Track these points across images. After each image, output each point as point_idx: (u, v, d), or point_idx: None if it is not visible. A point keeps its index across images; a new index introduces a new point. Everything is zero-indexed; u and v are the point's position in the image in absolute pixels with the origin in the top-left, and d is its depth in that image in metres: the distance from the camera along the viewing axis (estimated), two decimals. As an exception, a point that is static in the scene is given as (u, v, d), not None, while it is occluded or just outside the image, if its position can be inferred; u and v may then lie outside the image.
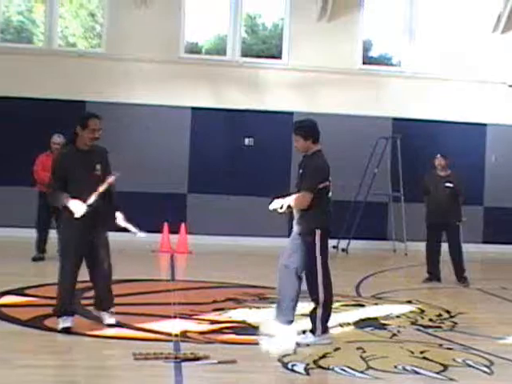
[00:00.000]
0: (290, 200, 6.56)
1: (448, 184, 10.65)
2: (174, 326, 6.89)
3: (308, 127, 6.76)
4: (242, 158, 15.29)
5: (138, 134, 15.08)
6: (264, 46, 16.92)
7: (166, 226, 13.38)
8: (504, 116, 16.13)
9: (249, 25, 16.97)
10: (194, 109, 15.22)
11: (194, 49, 16.35)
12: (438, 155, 10.92)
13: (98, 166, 6.78)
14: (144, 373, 5.44)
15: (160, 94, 15.08)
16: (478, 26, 16.12)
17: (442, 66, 16.40)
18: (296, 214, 6.67)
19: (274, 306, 6.85)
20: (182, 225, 13.56)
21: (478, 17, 16.11)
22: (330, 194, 6.70)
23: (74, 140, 6.80)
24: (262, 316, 7.43)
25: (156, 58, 15.05)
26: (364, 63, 16.02)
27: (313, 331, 6.49)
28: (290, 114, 15.37)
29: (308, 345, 6.35)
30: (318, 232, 6.49)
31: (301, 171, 6.68)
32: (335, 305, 8.24)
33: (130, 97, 14.97)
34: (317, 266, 6.47)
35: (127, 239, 13.95)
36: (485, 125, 16.15)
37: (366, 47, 16.58)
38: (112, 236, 7.02)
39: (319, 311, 6.47)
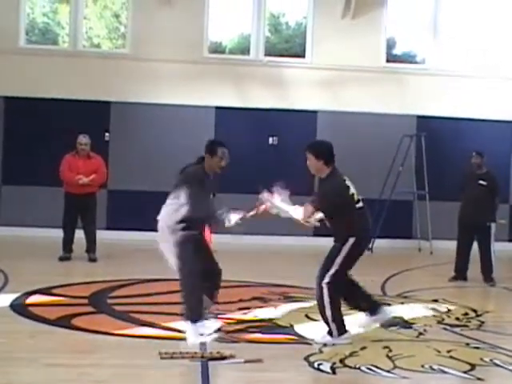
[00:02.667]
0: (293, 213, 6.55)
1: (482, 182, 10.54)
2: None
3: (320, 147, 6.68)
4: (267, 157, 15.29)
5: (162, 133, 15.14)
6: (287, 45, 16.91)
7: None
8: (530, 113, 15.98)
9: (272, 24, 16.96)
10: (217, 108, 15.25)
11: (217, 48, 16.38)
12: (474, 153, 10.82)
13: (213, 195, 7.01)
14: (170, 372, 5.47)
15: (184, 93, 15.12)
16: (502, 22, 15.99)
17: (467, 63, 16.28)
18: (329, 226, 6.63)
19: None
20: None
21: (503, 13, 15.99)
22: (361, 203, 6.63)
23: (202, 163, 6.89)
24: (288, 315, 7.44)
25: (180, 58, 15.08)
26: (388, 61, 15.95)
27: (330, 333, 6.47)
28: (314, 112, 15.38)
29: (325, 344, 6.33)
30: (351, 240, 6.45)
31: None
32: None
33: (155, 97, 15.02)
34: (329, 271, 6.43)
35: (152, 238, 14.09)
36: (510, 122, 16.02)
37: (390, 45, 16.51)
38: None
39: (328, 312, 6.45)
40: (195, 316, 6.42)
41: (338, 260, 6.43)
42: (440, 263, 12.32)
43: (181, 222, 6.63)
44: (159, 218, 6.82)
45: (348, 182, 6.59)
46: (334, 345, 6.33)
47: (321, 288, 6.43)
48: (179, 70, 15.17)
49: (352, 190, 6.58)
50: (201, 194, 6.67)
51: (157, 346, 6.03)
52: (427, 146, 14.81)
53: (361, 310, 6.76)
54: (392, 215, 14.61)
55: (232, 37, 16.80)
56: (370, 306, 6.75)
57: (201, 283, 6.54)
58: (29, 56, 14.85)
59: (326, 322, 6.47)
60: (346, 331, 6.50)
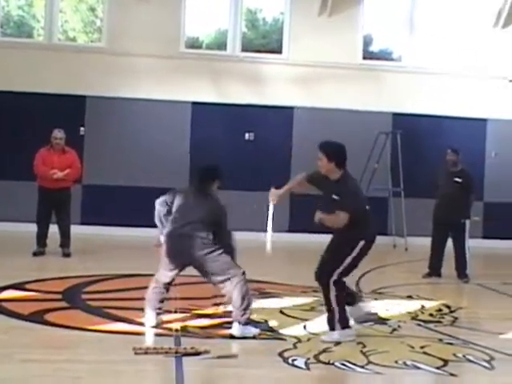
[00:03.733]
0: (327, 220, 6.43)
1: (456, 179, 10.59)
2: (175, 320, 6.89)
3: (333, 148, 6.57)
4: (243, 153, 15.29)
5: (138, 128, 15.08)
6: (264, 41, 16.90)
7: (166, 221, 13.37)
8: (504, 111, 16.11)
9: (249, 19, 16.94)
10: (194, 103, 15.22)
11: (194, 43, 16.34)
12: (449, 150, 10.87)
13: None
14: (145, 368, 5.45)
15: (160, 88, 15.07)
16: (478, 20, 16.10)
17: (443, 60, 16.37)
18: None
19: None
20: (183, 219, 13.57)
21: (479, 12, 16.09)
22: (367, 207, 6.69)
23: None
24: (262, 311, 7.45)
25: (156, 53, 15.02)
26: (365, 58, 16.00)
27: (333, 329, 6.48)
28: (291, 108, 15.40)
29: (339, 342, 6.32)
30: (361, 243, 6.48)
31: (335, 197, 6.41)
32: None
33: (131, 91, 14.96)
34: (337, 270, 6.46)
35: (127, 233, 14.05)
36: (485, 120, 16.14)
37: (367, 42, 16.57)
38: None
39: (335, 309, 6.46)
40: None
41: (348, 260, 6.44)
42: (415, 260, 12.40)
43: None
44: None
45: None
46: (341, 341, 6.34)
47: (328, 286, 6.43)
48: (155, 64, 15.11)
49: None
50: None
51: (131, 342, 6.00)
52: (403, 144, 14.89)
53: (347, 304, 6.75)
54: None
55: (209, 32, 16.77)
56: (352, 299, 6.78)
57: None
58: (4, 49, 14.72)
59: (331, 320, 6.48)
60: (349, 327, 6.51)
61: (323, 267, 6.55)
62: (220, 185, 7.01)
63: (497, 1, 16.00)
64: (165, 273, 6.79)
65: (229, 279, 6.52)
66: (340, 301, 6.45)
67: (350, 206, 6.36)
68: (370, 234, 6.61)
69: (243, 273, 6.63)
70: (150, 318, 6.72)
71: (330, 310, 6.48)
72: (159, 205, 6.87)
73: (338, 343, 6.28)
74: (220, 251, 6.61)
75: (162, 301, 6.86)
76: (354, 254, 6.45)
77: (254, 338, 6.40)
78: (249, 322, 6.51)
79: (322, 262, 6.61)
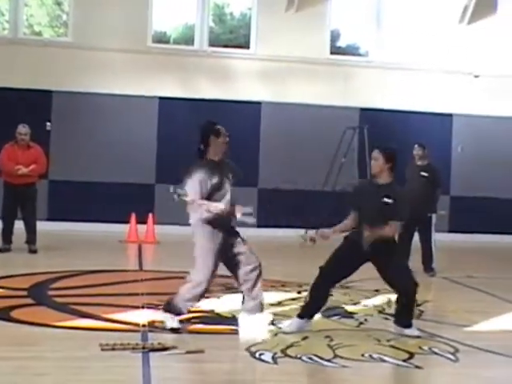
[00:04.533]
0: (382, 232, 6.41)
1: (423, 173, 10.65)
2: (142, 316, 6.87)
3: (393, 153, 6.64)
4: (210, 148, 15.25)
5: (105, 123, 14.99)
6: (232, 36, 16.89)
7: (133, 216, 13.34)
8: (470, 106, 16.28)
9: (217, 14, 16.91)
10: (161, 98, 15.17)
11: (161, 38, 16.28)
12: (416, 145, 10.93)
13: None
14: (111, 364, 5.41)
15: (127, 83, 15.00)
16: (444, 16, 16.24)
17: (409, 56, 16.50)
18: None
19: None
20: (150, 215, 13.54)
21: (445, 8, 16.23)
22: None
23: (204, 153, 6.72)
24: (230, 305, 7.45)
25: (123, 48, 14.95)
26: (332, 53, 16.07)
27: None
28: (258, 103, 15.42)
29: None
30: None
31: (387, 200, 6.42)
32: (304, 294, 8.32)
33: (97, 86, 14.86)
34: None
35: (93, 229, 13.97)
36: (451, 115, 16.30)
37: (334, 37, 16.63)
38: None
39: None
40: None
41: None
42: (382, 254, 12.42)
43: None
44: None
45: None
46: (388, 340, 6.37)
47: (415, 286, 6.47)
48: (122, 59, 15.04)
49: None
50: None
51: (98, 338, 5.96)
52: (370, 138, 14.94)
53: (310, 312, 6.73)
54: (335, 206, 14.71)
55: (176, 27, 16.71)
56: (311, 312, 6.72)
57: None
58: (-33, 43, 14.55)
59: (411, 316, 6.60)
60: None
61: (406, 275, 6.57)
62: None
63: (462, -3, 16.15)
64: None
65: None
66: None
67: (406, 209, 6.50)
68: None
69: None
70: None
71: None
72: None
73: (305, 337, 6.30)
74: None
75: None
76: None
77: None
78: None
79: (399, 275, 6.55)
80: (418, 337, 6.42)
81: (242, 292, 6.64)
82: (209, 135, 6.71)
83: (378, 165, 6.59)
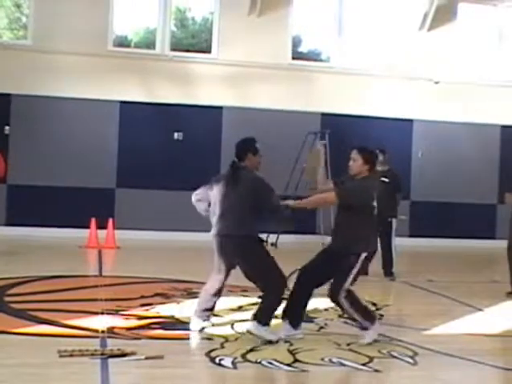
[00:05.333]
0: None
1: (384, 179, 10.71)
2: (101, 322, 6.81)
3: (373, 155, 6.71)
4: (172, 153, 15.21)
5: (65, 127, 14.86)
6: (194, 40, 16.87)
7: (93, 222, 13.23)
8: (430, 112, 16.45)
9: (178, 18, 16.88)
10: (122, 103, 15.08)
11: (122, 42, 16.19)
12: (377, 150, 10.95)
13: None
14: (70, 370, 5.35)
15: (88, 87, 14.89)
16: (405, 23, 16.40)
17: (371, 62, 16.63)
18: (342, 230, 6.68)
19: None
20: (110, 220, 13.44)
21: (405, 14, 16.40)
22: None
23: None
24: (190, 311, 7.42)
25: (84, 51, 14.84)
26: (293, 58, 16.14)
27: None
28: (220, 108, 15.41)
29: (370, 343, 6.36)
30: (363, 255, 6.49)
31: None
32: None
33: (57, 90, 14.73)
34: (344, 285, 6.49)
35: (53, 235, 13.82)
36: (411, 120, 16.45)
37: (296, 42, 16.70)
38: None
39: (358, 317, 6.54)
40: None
41: (353, 271, 6.42)
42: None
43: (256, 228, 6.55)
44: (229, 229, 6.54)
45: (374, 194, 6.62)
46: (348, 344, 6.35)
47: (340, 303, 6.43)
48: (83, 63, 14.93)
49: (375, 201, 6.61)
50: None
51: (56, 344, 5.89)
52: (331, 143, 15.00)
53: (289, 316, 6.70)
54: (296, 211, 14.74)
55: (137, 30, 16.64)
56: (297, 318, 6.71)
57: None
58: None
59: (360, 326, 6.51)
60: (376, 321, 6.57)
61: (332, 288, 6.51)
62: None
63: (423, 4, 16.32)
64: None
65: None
66: (357, 307, 6.46)
67: (347, 191, 6.56)
68: (372, 246, 6.64)
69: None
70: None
71: (354, 320, 6.53)
72: None
73: (265, 342, 6.29)
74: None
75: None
76: (358, 266, 6.44)
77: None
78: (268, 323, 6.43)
79: (331, 283, 6.54)
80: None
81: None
82: (246, 152, 6.75)
83: (356, 166, 6.64)
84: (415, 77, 16.33)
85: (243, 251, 6.51)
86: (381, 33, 16.53)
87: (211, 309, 6.80)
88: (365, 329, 6.50)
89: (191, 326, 6.68)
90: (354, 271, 6.39)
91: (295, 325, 6.57)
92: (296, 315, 6.61)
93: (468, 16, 17.18)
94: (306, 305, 6.71)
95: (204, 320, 6.72)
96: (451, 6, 16.62)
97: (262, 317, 6.41)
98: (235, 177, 6.64)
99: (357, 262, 6.39)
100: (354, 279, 6.50)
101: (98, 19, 15.07)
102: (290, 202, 6.75)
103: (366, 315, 6.50)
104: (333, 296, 6.48)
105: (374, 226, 6.74)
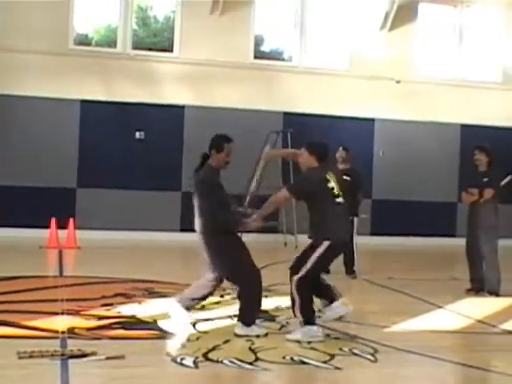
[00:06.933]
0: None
1: (345, 177, 10.74)
2: (62, 322, 6.75)
3: (318, 146, 6.86)
4: (133, 152, 15.13)
5: (25, 126, 14.69)
6: (156, 39, 16.79)
7: (53, 221, 13.11)
8: (391, 111, 16.58)
9: (140, 17, 16.78)
10: (83, 102, 14.95)
11: (83, 40, 16.05)
12: (340, 148, 11.02)
13: None
14: (29, 372, 5.30)
15: (48, 86, 14.74)
16: (366, 23, 16.51)
17: (333, 61, 16.72)
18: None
19: None
20: (71, 220, 13.32)
21: (367, 14, 16.51)
22: (340, 199, 6.79)
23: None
24: (152, 310, 7.40)
25: (44, 49, 14.69)
26: (256, 58, 16.15)
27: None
28: (182, 107, 15.36)
29: (227, 340, 6.35)
30: (325, 243, 6.57)
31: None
32: (226, 297, 8.34)
33: (17, 89, 14.56)
34: (303, 267, 6.57)
35: (13, 235, 13.66)
36: (373, 119, 16.57)
37: (258, 42, 16.72)
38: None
39: (297, 305, 6.59)
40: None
41: (312, 259, 6.50)
42: (305, 257, 12.52)
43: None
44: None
45: (330, 177, 6.71)
46: (309, 342, 6.35)
47: (293, 281, 6.53)
48: (43, 61, 14.78)
49: (332, 184, 6.70)
50: (221, 200, 6.69)
51: (15, 346, 5.83)
52: (293, 142, 15.04)
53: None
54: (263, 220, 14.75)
55: (98, 29, 16.51)
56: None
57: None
58: None
59: (294, 309, 6.59)
60: (314, 324, 6.57)
61: (294, 262, 6.67)
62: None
63: (384, 4, 16.44)
64: None
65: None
66: (303, 296, 6.52)
67: (294, 182, 7.16)
68: (337, 233, 6.63)
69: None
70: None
71: (293, 306, 6.62)
72: None
73: (226, 341, 6.29)
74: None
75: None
76: (318, 254, 6.50)
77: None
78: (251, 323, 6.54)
79: (297, 258, 6.71)
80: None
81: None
82: (210, 149, 6.91)
83: (303, 158, 6.82)
84: (377, 76, 16.45)
85: (207, 249, 6.64)
86: (343, 32, 16.63)
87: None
88: (301, 324, 6.57)
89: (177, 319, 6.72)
90: (315, 256, 6.49)
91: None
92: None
93: (429, 16, 17.35)
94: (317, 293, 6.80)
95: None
96: (412, 6, 16.77)
97: (245, 316, 6.54)
98: (195, 174, 6.82)
99: (319, 248, 6.50)
100: (322, 269, 6.71)
101: (59, 17, 14.92)
102: (251, 220, 6.77)
103: (304, 310, 6.54)
104: (292, 270, 6.60)
105: (340, 214, 6.78)
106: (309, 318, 6.53)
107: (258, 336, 6.44)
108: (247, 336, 6.41)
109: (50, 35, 14.75)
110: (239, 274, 6.60)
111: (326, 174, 6.73)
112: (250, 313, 6.57)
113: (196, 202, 6.75)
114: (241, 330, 6.50)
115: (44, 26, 14.68)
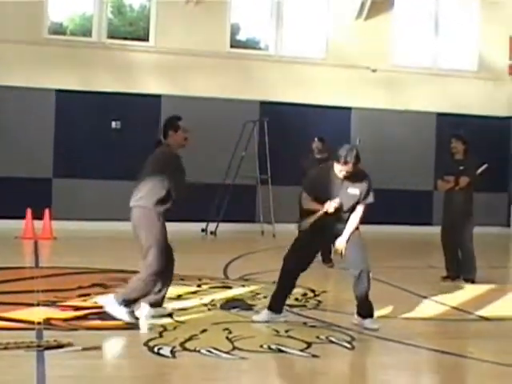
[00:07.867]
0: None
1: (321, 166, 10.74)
2: (38, 313, 6.70)
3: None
4: (109, 142, 15.05)
5: None
6: (131, 28, 16.68)
7: (29, 212, 13.01)
8: (367, 100, 16.62)
9: (115, 5, 16.65)
10: (58, 91, 14.83)
11: (58, 29, 15.91)
12: (316, 138, 11.03)
13: None
14: (4, 363, 5.26)
15: (22, 75, 14.60)
16: (342, 12, 16.50)
17: (309, 50, 16.72)
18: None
19: None
20: (47, 210, 13.23)
21: (343, 3, 16.50)
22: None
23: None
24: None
25: (18, 39, 14.52)
26: (232, 47, 16.10)
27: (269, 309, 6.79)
28: (158, 96, 15.29)
29: (205, 330, 6.35)
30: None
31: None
32: (203, 287, 8.34)
33: (-9, 78, 14.41)
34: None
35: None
36: (350, 108, 16.59)
37: (234, 31, 16.66)
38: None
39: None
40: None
41: (294, 243, 7.05)
42: (282, 246, 12.48)
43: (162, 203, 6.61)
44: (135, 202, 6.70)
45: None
46: (287, 331, 6.40)
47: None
48: (17, 51, 14.63)
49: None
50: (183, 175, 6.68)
51: (-10, 337, 5.79)
52: (270, 132, 15.08)
53: None
54: (236, 199, 14.78)
55: (73, 17, 16.37)
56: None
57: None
58: None
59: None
60: (280, 311, 6.74)
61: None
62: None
63: (359, -7, 16.45)
64: None
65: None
66: (281, 283, 6.83)
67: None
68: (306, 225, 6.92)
69: None
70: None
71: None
72: None
73: (204, 330, 6.29)
74: None
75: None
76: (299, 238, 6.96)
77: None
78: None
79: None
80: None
81: None
82: (167, 130, 6.92)
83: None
84: (353, 65, 16.46)
85: (137, 221, 6.69)
86: (319, 21, 16.62)
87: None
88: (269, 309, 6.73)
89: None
90: (295, 243, 6.96)
91: None
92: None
93: (404, 5, 17.38)
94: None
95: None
96: (388, -5, 16.80)
97: (124, 297, 6.41)
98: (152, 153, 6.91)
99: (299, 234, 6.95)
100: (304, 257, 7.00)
101: (33, 6, 14.76)
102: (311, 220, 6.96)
103: (277, 297, 6.80)
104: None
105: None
106: (275, 307, 6.77)
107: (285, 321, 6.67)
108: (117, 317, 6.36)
109: (24, 24, 14.59)
110: (150, 255, 6.61)
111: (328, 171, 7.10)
112: (131, 296, 6.43)
113: (149, 175, 6.80)
114: (116, 309, 6.38)
115: (18, 15, 14.52)
